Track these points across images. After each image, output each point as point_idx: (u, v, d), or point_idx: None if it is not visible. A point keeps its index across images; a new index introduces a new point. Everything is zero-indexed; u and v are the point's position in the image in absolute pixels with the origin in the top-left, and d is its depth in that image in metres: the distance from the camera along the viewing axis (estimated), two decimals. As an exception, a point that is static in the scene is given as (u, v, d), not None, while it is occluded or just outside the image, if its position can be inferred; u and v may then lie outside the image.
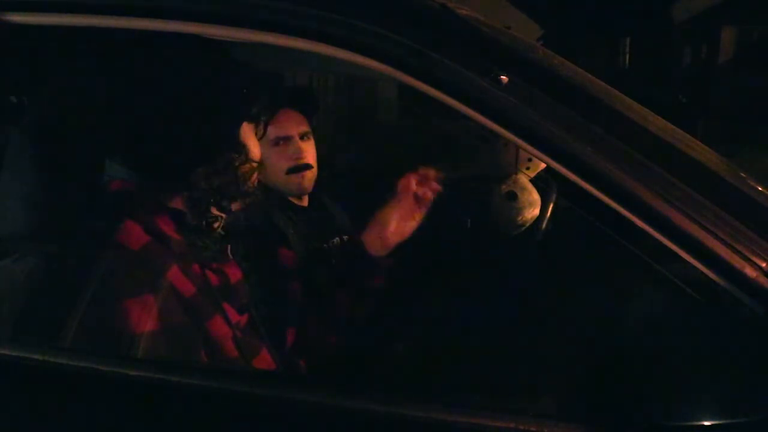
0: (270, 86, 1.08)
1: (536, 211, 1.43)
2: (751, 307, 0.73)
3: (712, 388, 0.82)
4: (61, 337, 0.88)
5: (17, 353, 0.85)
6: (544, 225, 1.44)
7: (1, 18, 0.85)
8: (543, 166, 1.41)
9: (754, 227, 0.75)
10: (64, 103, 1.02)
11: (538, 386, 1.14)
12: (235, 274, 1.05)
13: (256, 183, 1.04)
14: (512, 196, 1.42)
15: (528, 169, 1.44)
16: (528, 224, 1.43)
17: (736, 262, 0.73)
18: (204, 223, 1.01)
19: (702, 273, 0.75)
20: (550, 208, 1.45)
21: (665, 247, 0.76)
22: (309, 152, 1.51)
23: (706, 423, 0.74)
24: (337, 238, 1.51)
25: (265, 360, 1.06)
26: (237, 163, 0.99)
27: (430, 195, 1.28)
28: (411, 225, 1.27)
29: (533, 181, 1.44)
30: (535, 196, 1.43)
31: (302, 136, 1.50)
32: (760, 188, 0.81)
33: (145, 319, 0.89)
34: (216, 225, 1.03)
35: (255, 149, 1.03)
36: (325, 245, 1.48)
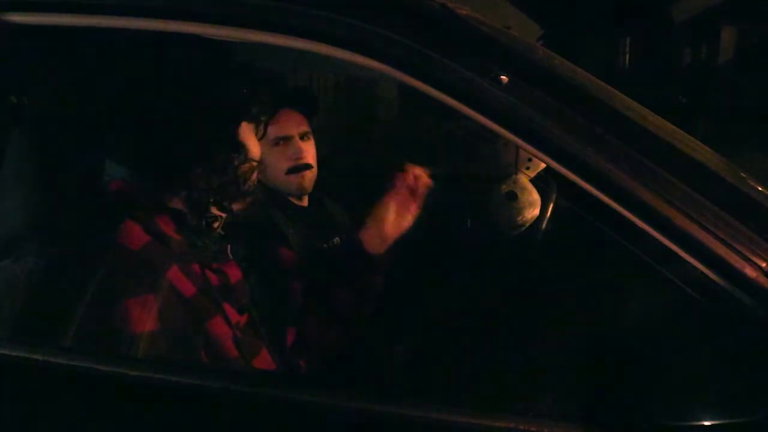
0: (270, 86, 1.08)
1: (536, 211, 1.43)
2: (751, 307, 0.73)
3: (712, 388, 0.82)
4: (61, 337, 0.88)
5: (17, 353, 0.85)
6: (544, 225, 1.44)
7: (1, 18, 0.85)
8: (543, 166, 1.41)
9: (754, 227, 0.75)
10: (64, 103, 1.02)
11: (538, 386, 1.13)
12: (235, 274, 1.05)
13: (255, 183, 1.04)
14: (512, 196, 1.42)
15: (528, 169, 1.43)
16: (528, 224, 1.43)
17: (736, 262, 0.73)
18: (204, 223, 1.01)
19: (702, 273, 0.75)
20: (550, 208, 1.45)
21: (665, 247, 0.76)
22: (309, 152, 1.51)
23: (706, 423, 0.74)
24: (337, 238, 1.51)
25: (265, 360, 1.06)
26: (236, 163, 0.99)
27: (422, 187, 1.29)
28: (408, 219, 1.28)
29: (533, 181, 1.44)
30: (535, 196, 1.43)
31: (302, 136, 1.50)
32: (760, 188, 0.81)
33: (145, 319, 0.89)
34: (216, 225, 1.03)
35: (255, 149, 1.03)
36: (325, 245, 1.48)
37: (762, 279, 0.73)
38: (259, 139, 1.05)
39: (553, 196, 1.46)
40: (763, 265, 0.73)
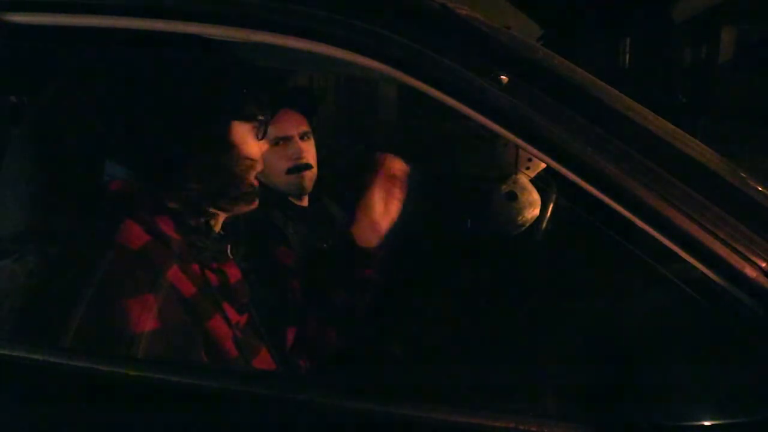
0: (265, 86, 1.07)
1: (536, 211, 1.43)
2: (751, 307, 0.73)
3: (712, 388, 0.82)
4: (61, 337, 0.88)
5: (17, 353, 0.85)
6: (544, 225, 1.44)
7: (1, 18, 0.85)
8: (543, 166, 1.41)
9: (754, 227, 0.75)
10: (64, 103, 1.02)
11: (538, 386, 1.13)
12: (234, 274, 1.05)
13: (253, 183, 1.04)
14: (512, 196, 1.42)
15: (528, 169, 1.44)
16: (528, 224, 1.43)
17: (736, 262, 0.73)
18: (202, 222, 1.01)
19: (702, 273, 0.75)
20: (550, 208, 1.45)
21: (665, 247, 0.76)
22: (309, 152, 1.51)
23: (706, 423, 0.74)
24: (335, 237, 1.51)
25: (265, 360, 1.06)
26: (229, 163, 0.99)
27: (400, 172, 1.29)
28: (395, 206, 1.28)
29: (533, 181, 1.44)
30: (535, 196, 1.43)
31: (302, 136, 1.50)
32: (760, 188, 0.81)
33: (145, 319, 0.89)
34: (213, 224, 1.03)
35: (252, 149, 1.02)
36: (324, 245, 1.48)
37: (762, 279, 0.73)
38: (260, 140, 1.04)
39: (553, 196, 1.46)
40: (763, 265, 0.73)
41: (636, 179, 0.76)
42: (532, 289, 1.40)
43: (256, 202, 1.05)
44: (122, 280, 0.90)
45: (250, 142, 1.02)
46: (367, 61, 0.80)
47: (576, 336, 1.22)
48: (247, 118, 1.01)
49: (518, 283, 1.43)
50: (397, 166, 1.29)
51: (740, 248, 0.74)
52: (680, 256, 0.76)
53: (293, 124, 1.50)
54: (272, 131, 1.40)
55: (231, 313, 1.01)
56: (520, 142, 0.79)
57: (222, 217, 1.05)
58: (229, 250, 1.07)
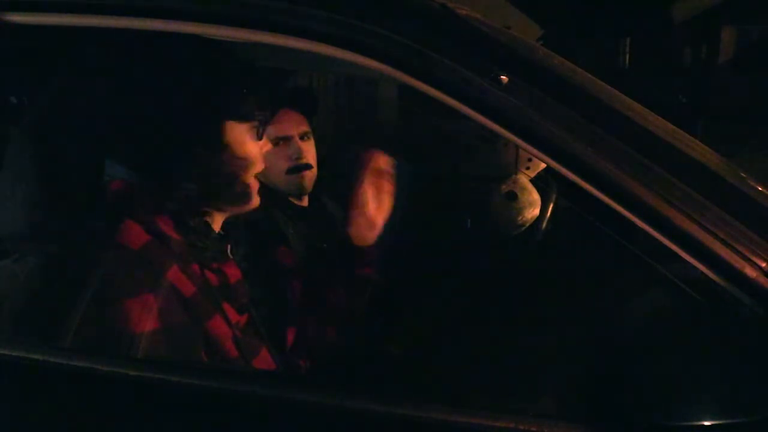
0: (264, 86, 1.07)
1: (536, 211, 1.43)
2: (751, 307, 0.73)
3: (712, 388, 0.82)
4: (61, 337, 0.88)
5: (17, 353, 0.85)
6: (544, 225, 1.44)
7: (1, 18, 0.85)
8: (543, 166, 1.41)
9: (754, 227, 0.75)
10: (64, 103, 1.02)
11: (538, 386, 1.13)
12: (234, 274, 1.05)
13: (249, 183, 1.03)
14: (512, 196, 1.42)
15: (528, 169, 1.44)
16: (528, 224, 1.43)
17: (736, 262, 0.73)
18: (201, 222, 1.01)
19: (702, 273, 0.75)
20: (550, 208, 1.45)
21: (665, 247, 0.76)
22: (309, 152, 1.51)
23: (706, 423, 0.74)
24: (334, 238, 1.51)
25: (265, 360, 1.06)
26: (223, 163, 0.98)
27: (386, 166, 1.29)
28: (387, 199, 1.27)
29: (533, 181, 1.44)
30: (535, 196, 1.43)
31: (302, 136, 1.50)
32: (760, 188, 0.81)
33: (145, 318, 0.89)
34: (213, 224, 1.03)
35: (249, 149, 1.01)
36: (324, 245, 1.48)
37: (762, 279, 0.73)
38: (258, 140, 1.04)
39: (553, 196, 1.46)
40: (763, 265, 0.73)
41: (636, 179, 0.76)
42: (532, 289, 1.40)
43: (254, 202, 1.05)
44: (122, 280, 0.90)
45: (247, 142, 1.01)
46: (367, 61, 0.80)
47: (576, 336, 1.22)
48: (244, 118, 1.01)
49: (518, 283, 1.43)
50: (382, 160, 1.28)
51: (740, 248, 0.74)
52: (680, 256, 0.76)
53: (293, 124, 1.50)
54: (272, 131, 1.40)
55: (231, 313, 1.01)
56: (520, 142, 0.79)
57: (222, 217, 1.05)
58: (229, 250, 1.06)
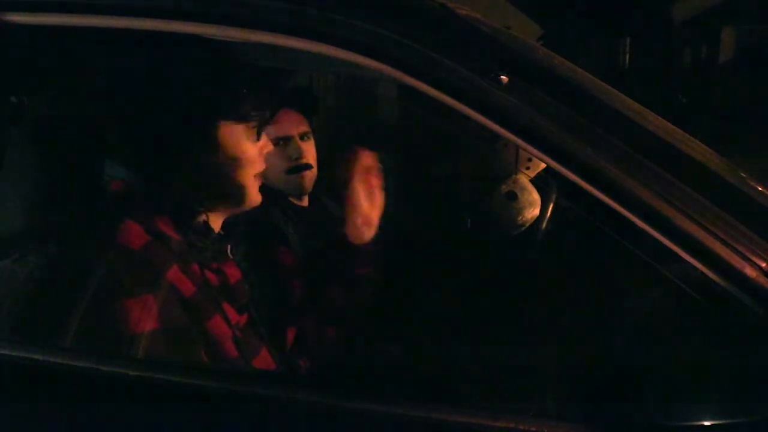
0: (262, 86, 1.07)
1: (536, 211, 1.43)
2: (751, 307, 0.73)
3: (712, 388, 0.82)
4: (61, 337, 0.88)
5: (17, 353, 0.85)
6: (544, 225, 1.44)
7: (1, 18, 0.85)
8: (543, 166, 1.41)
9: (754, 227, 0.75)
10: (64, 103, 1.02)
11: (538, 386, 1.13)
12: (234, 274, 1.05)
13: (245, 183, 1.02)
14: (512, 196, 1.42)
15: (528, 169, 1.44)
16: (528, 224, 1.43)
17: (736, 262, 0.73)
18: (199, 222, 1.01)
19: (702, 273, 0.75)
20: (550, 208, 1.45)
21: (665, 247, 0.76)
22: (309, 152, 1.51)
23: (706, 423, 0.74)
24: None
25: (265, 360, 1.06)
26: (217, 163, 0.98)
27: (372, 162, 1.28)
28: (380, 195, 1.27)
29: (533, 181, 1.44)
30: (535, 196, 1.43)
31: (302, 136, 1.50)
32: (760, 188, 0.81)
33: (145, 319, 0.89)
34: (213, 224, 1.03)
35: (246, 149, 1.01)
36: (324, 245, 1.48)
37: (762, 279, 0.73)
38: (258, 140, 1.03)
39: (553, 196, 1.46)
40: (763, 265, 0.73)
41: (636, 179, 0.76)
42: (532, 289, 1.40)
43: (254, 202, 1.04)
44: (122, 280, 0.90)
45: (246, 142, 1.01)
46: (367, 61, 0.80)
47: (576, 336, 1.22)
48: (243, 119, 1.00)
49: (518, 283, 1.43)
50: (368, 156, 1.28)
51: (740, 248, 0.74)
52: (680, 256, 0.76)
53: (293, 124, 1.50)
54: (272, 131, 1.40)
55: (231, 313, 1.01)
56: (520, 142, 0.79)
57: (222, 217, 1.05)
58: (229, 250, 1.06)
